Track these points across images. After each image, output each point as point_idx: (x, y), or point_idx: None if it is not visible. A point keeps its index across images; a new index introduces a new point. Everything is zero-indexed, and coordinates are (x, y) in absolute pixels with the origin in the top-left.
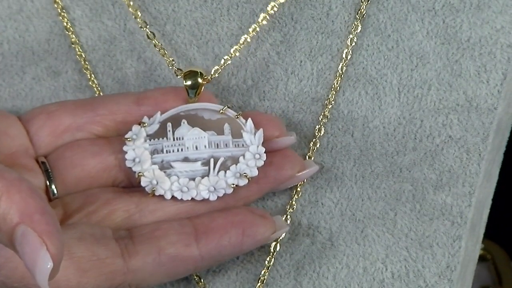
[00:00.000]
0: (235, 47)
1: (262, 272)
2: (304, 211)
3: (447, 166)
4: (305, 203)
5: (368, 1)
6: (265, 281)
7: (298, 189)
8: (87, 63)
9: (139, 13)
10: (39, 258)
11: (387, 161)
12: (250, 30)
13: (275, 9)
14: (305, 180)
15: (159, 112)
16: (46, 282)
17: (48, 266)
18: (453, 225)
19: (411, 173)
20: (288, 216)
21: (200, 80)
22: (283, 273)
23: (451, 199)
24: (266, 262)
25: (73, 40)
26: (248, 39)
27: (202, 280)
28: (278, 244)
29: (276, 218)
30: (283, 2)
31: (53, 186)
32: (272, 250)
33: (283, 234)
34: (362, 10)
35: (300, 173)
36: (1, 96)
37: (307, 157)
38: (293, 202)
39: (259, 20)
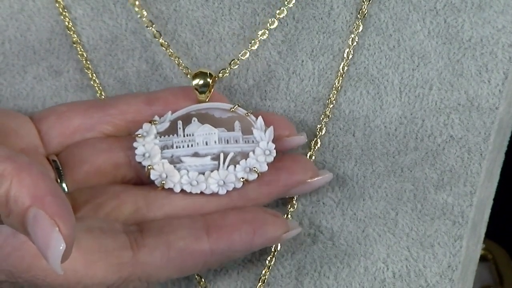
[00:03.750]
0: (244, 50)
1: (263, 272)
2: (305, 210)
3: (449, 166)
4: (306, 203)
5: (369, 1)
6: (266, 280)
7: None
8: (88, 62)
9: (144, 12)
10: (51, 239)
11: (388, 161)
12: (259, 33)
13: (284, 13)
14: None
15: (170, 112)
16: (59, 264)
17: (61, 247)
18: (454, 224)
19: (412, 172)
20: (289, 216)
21: (209, 80)
22: (285, 272)
23: (452, 198)
24: (267, 261)
25: (74, 39)
26: (258, 44)
27: (203, 280)
28: (279, 244)
29: (289, 220)
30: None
31: (63, 184)
32: (273, 250)
33: None
34: (364, 9)
35: (312, 180)
36: (3, 96)
37: (308, 156)
38: (294, 202)
39: (269, 25)
